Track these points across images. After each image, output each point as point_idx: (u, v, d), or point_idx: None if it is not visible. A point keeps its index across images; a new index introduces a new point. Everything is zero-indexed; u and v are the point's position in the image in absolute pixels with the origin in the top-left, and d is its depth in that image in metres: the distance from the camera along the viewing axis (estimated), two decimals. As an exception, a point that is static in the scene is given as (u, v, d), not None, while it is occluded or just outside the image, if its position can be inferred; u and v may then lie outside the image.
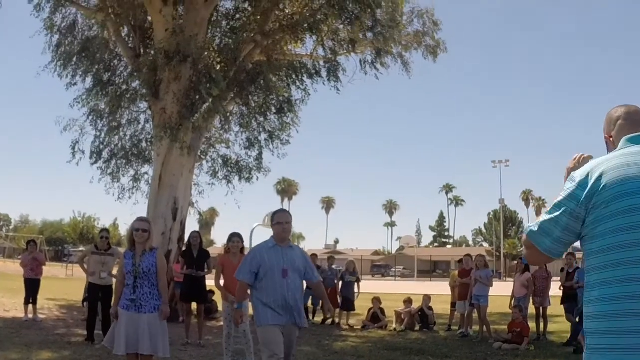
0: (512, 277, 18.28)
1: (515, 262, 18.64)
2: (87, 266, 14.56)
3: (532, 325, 16.13)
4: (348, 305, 19.96)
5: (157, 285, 8.47)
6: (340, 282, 20.52)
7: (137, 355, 8.34)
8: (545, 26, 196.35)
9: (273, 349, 7.47)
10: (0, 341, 13.45)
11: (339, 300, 20.20)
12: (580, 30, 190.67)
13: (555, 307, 17.25)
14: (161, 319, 8.37)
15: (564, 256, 17.65)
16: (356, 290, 20.38)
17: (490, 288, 16.78)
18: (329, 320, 19.81)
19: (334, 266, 22.17)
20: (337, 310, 19.95)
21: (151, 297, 8.36)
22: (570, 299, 16.01)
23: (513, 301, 16.92)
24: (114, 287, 14.02)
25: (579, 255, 17.86)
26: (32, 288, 18.16)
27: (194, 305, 14.94)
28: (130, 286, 8.29)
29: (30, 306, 18.07)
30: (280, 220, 7.89)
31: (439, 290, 29.95)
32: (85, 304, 16.82)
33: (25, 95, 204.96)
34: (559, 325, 17.77)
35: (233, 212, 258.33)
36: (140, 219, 9.01)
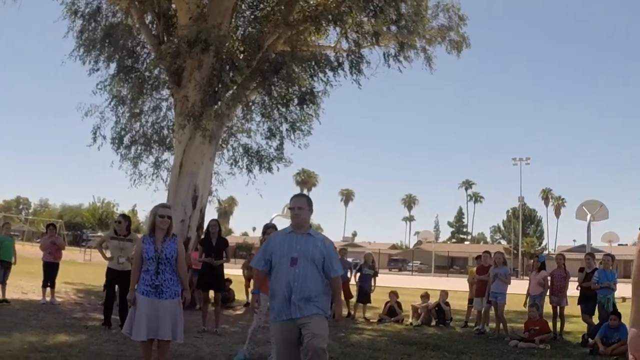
0: (529, 276, 18.18)
1: (532, 260, 18.51)
2: (107, 251, 14.60)
3: (548, 324, 16.05)
4: (364, 297, 19.90)
5: (178, 272, 8.50)
6: (358, 275, 20.45)
7: (152, 341, 8.36)
8: (568, 23, 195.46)
9: (275, 344, 7.67)
10: (18, 323, 13.49)
11: (355, 292, 20.21)
12: (602, 25, 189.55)
13: (572, 307, 17.16)
14: (182, 305, 8.42)
15: (584, 256, 17.58)
16: (372, 284, 20.32)
17: (508, 286, 16.72)
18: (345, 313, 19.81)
19: (349, 259, 22.11)
20: (353, 302, 19.99)
21: (172, 283, 8.40)
22: (587, 300, 15.94)
23: (528, 299, 16.86)
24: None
25: (598, 256, 17.79)
26: (50, 271, 18.25)
27: (211, 293, 14.93)
28: (152, 272, 8.30)
29: (48, 289, 18.17)
30: (292, 206, 7.68)
31: (456, 286, 29.92)
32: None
33: (47, 81, 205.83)
34: (575, 325, 17.67)
35: (252, 201, 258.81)
36: (163, 205, 9.04)
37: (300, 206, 7.61)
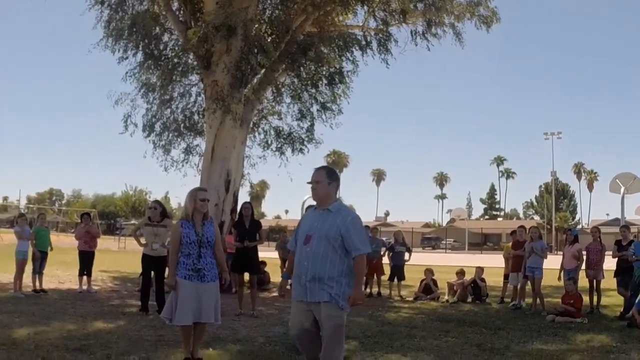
0: (562, 250, 18.08)
1: (565, 234, 18.41)
2: (142, 238, 14.68)
3: (585, 298, 15.94)
4: (398, 273, 19.89)
5: (216, 255, 8.54)
6: (390, 253, 20.45)
7: (192, 325, 8.38)
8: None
9: (290, 325, 7.37)
10: (56, 312, 13.62)
11: (386, 270, 20.26)
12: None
13: (609, 280, 17.05)
14: (222, 287, 8.47)
15: (619, 229, 17.45)
16: (407, 257, 20.29)
17: (544, 260, 16.63)
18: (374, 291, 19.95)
19: (384, 238, 22.07)
20: (385, 280, 20.01)
21: (212, 267, 8.45)
22: (623, 272, 15.85)
23: (563, 273, 16.74)
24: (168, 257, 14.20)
25: (633, 229, 17.66)
26: (86, 260, 18.39)
27: (246, 276, 14.96)
28: (194, 256, 8.31)
29: (85, 278, 18.33)
30: (310, 180, 7.20)
31: (490, 263, 29.78)
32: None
33: (76, 70, 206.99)
34: (612, 299, 17.58)
35: (284, 184, 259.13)
36: (202, 189, 9.07)
37: (318, 179, 7.08)
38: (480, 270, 19.44)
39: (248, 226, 14.57)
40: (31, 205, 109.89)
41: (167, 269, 14.05)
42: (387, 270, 20.27)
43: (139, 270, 15.32)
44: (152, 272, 14.31)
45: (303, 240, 6.98)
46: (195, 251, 8.31)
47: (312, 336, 7.07)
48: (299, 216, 18.02)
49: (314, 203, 7.28)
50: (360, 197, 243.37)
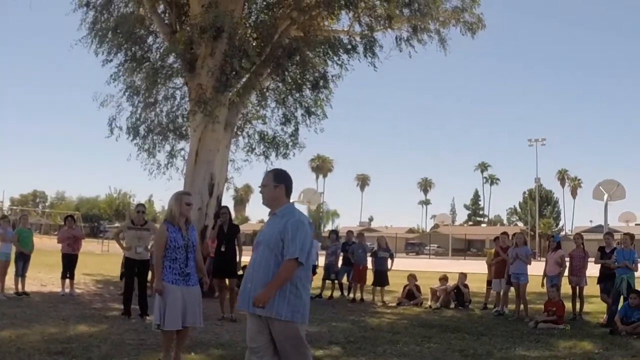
0: (545, 257, 18.16)
1: (548, 241, 18.48)
2: (124, 241, 14.67)
3: (567, 304, 16.03)
4: (382, 279, 19.91)
5: (196, 259, 8.53)
6: (373, 258, 20.47)
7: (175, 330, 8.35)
8: (583, 5, 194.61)
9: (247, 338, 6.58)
10: (38, 315, 13.61)
11: (369, 276, 20.34)
12: (618, 9, 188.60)
13: (592, 287, 17.12)
14: (203, 291, 8.45)
15: (603, 236, 17.51)
16: (389, 266, 20.31)
17: (529, 266, 16.68)
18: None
19: (367, 243, 22.12)
20: (371, 287, 20.04)
21: (194, 270, 8.43)
22: (606, 279, 15.89)
23: (546, 280, 16.81)
24: (151, 261, 14.17)
25: (616, 236, 17.73)
26: (69, 263, 18.38)
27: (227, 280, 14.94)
28: (182, 260, 8.28)
29: (67, 281, 18.31)
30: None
31: (474, 269, 29.90)
32: (122, 278, 16.95)
33: (61, 72, 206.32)
34: (595, 306, 17.67)
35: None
36: (187, 193, 9.06)
37: (264, 183, 6.71)
38: (463, 276, 19.51)
39: (226, 230, 14.56)
40: (14, 207, 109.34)
41: (149, 273, 14.11)
42: (370, 275, 20.31)
43: (119, 274, 15.29)
44: (136, 276, 14.29)
45: (254, 247, 6.60)
46: (183, 255, 8.29)
47: (262, 349, 6.41)
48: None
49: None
50: (344, 202, 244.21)
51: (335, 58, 22.80)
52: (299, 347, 6.29)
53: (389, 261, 20.31)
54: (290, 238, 6.24)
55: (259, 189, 6.75)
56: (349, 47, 22.70)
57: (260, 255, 6.38)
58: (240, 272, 14.50)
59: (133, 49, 22.87)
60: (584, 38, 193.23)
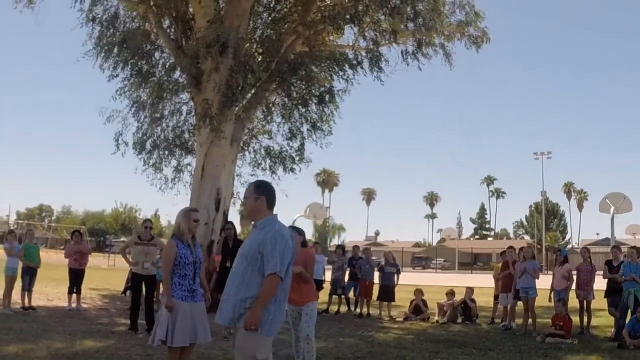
0: (553, 271, 18.09)
1: (555, 255, 18.40)
2: (130, 256, 14.67)
3: (575, 319, 15.96)
4: (388, 295, 19.88)
5: (200, 275, 8.52)
6: (380, 274, 20.42)
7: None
8: (588, 17, 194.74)
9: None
10: (45, 330, 13.59)
11: (375, 290, 20.29)
12: (623, 20, 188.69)
13: (599, 301, 17.04)
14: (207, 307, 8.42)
15: (610, 249, 17.46)
16: (396, 281, 20.28)
17: (537, 280, 16.62)
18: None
19: (374, 258, 22.12)
20: (378, 303, 19.99)
21: (199, 287, 8.41)
22: (614, 293, 15.82)
23: (553, 294, 16.75)
24: (158, 277, 14.17)
25: (623, 249, 17.67)
26: (76, 278, 18.38)
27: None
28: (191, 277, 8.23)
29: (74, 296, 18.28)
30: None
31: (480, 283, 29.81)
32: (127, 293, 16.92)
33: (67, 88, 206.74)
34: (603, 320, 17.58)
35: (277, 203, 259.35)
36: (195, 210, 9.02)
37: (246, 195, 6.72)
38: (470, 291, 19.45)
39: (232, 246, 14.53)
40: (21, 221, 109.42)
41: (156, 289, 14.10)
42: (375, 290, 20.27)
43: (123, 289, 15.25)
44: (143, 292, 14.29)
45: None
46: (192, 272, 8.25)
47: None
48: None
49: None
50: (350, 217, 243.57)
51: (341, 73, 22.87)
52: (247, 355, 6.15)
53: (396, 277, 20.27)
54: (269, 252, 6.13)
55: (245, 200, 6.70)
56: (355, 62, 22.78)
57: (236, 267, 6.34)
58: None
59: (139, 64, 22.93)
60: (592, 50, 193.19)
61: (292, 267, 6.42)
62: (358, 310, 20.28)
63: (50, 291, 22.28)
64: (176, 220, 8.62)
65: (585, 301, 16.73)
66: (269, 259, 6.08)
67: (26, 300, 17.37)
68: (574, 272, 16.98)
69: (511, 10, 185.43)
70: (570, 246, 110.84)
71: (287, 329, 9.72)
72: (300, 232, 9.72)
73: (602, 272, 16.52)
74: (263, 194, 6.55)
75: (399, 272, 20.55)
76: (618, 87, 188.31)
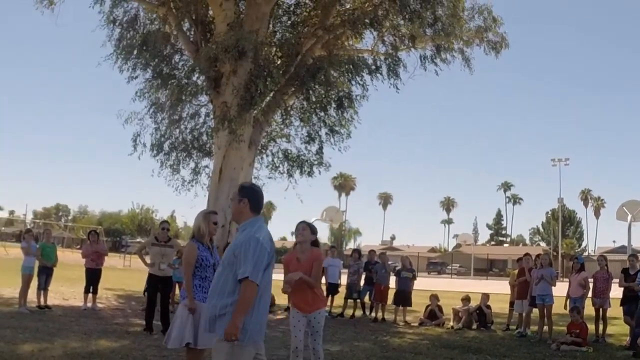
0: (569, 278, 17.99)
1: (572, 262, 18.33)
2: (147, 257, 14.71)
3: (591, 327, 15.88)
4: (404, 299, 19.83)
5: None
6: (396, 278, 20.39)
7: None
8: (606, 26, 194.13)
9: None
10: (60, 329, 13.64)
11: (390, 294, 20.27)
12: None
13: (615, 309, 16.96)
14: None
15: (627, 257, 17.37)
16: (411, 286, 20.24)
17: (553, 288, 16.56)
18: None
19: (389, 262, 22.09)
20: (393, 307, 19.96)
21: None
22: (630, 301, 15.72)
23: (569, 302, 16.66)
24: (174, 278, 14.23)
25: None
26: (93, 278, 18.43)
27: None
28: (210, 278, 8.13)
29: (90, 295, 18.33)
30: None
31: (496, 289, 29.72)
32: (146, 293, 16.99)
33: (86, 89, 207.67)
34: (618, 328, 17.48)
35: (290, 206, 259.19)
36: (214, 212, 9.02)
37: (231, 197, 6.66)
38: (485, 297, 19.40)
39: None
40: (37, 220, 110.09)
41: (172, 290, 14.14)
42: (390, 294, 20.25)
43: (143, 289, 15.27)
44: (158, 292, 14.32)
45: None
46: (211, 274, 8.21)
47: None
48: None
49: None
50: (366, 221, 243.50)
51: (358, 78, 22.89)
52: None
53: (411, 282, 20.24)
54: (242, 255, 5.90)
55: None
56: (373, 67, 22.80)
57: (215, 276, 6.22)
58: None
59: (159, 66, 22.98)
60: (609, 57, 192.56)
61: (269, 271, 6.12)
62: (373, 315, 20.27)
63: (66, 290, 22.36)
64: (195, 222, 8.62)
65: (600, 309, 16.63)
66: (241, 263, 5.86)
67: (42, 299, 17.44)
68: (590, 280, 16.91)
69: (529, 17, 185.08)
70: (586, 253, 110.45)
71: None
72: (313, 229, 9.24)
73: (618, 280, 16.46)
74: (245, 196, 6.37)
75: (414, 277, 20.52)
76: (636, 94, 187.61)
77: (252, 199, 6.36)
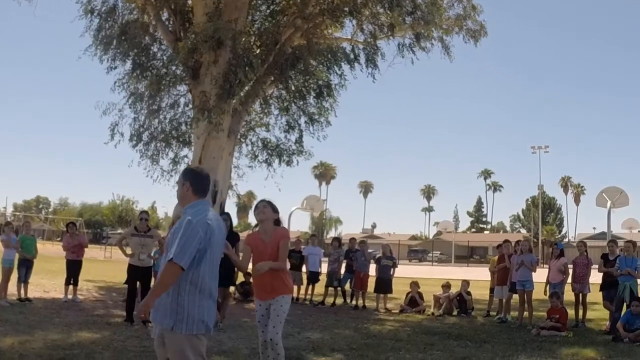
0: (549, 264, 18.10)
1: (551, 248, 18.42)
2: (127, 248, 14.69)
3: (570, 312, 16.01)
4: (385, 286, 19.87)
5: None
6: (377, 266, 20.44)
7: None
8: (584, 15, 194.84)
9: None
10: (41, 321, 13.60)
11: (371, 282, 20.34)
12: (620, 18, 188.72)
13: (594, 294, 17.08)
14: None
15: (607, 243, 17.49)
16: (392, 274, 20.28)
17: (533, 274, 16.64)
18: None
19: (370, 250, 22.15)
20: (374, 294, 20.02)
21: None
22: (609, 286, 15.83)
23: (549, 287, 16.74)
24: (155, 269, 14.21)
25: (620, 243, 17.69)
26: (73, 269, 18.36)
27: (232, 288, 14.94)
28: None
29: (70, 287, 18.27)
30: None
31: (476, 276, 29.85)
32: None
33: (64, 79, 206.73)
34: (598, 313, 17.62)
35: (271, 195, 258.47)
36: None
37: (177, 181, 6.36)
38: (466, 283, 19.50)
39: (226, 238, 14.50)
40: (17, 213, 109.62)
41: (152, 280, 14.12)
42: (371, 282, 20.31)
43: (125, 279, 15.25)
44: (138, 283, 14.29)
45: None
46: None
47: None
48: (286, 226, 17.66)
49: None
50: (347, 210, 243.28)
51: (336, 68, 22.90)
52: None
53: (392, 270, 20.28)
54: (178, 238, 5.61)
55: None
56: (352, 57, 22.81)
57: (163, 260, 5.82)
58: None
59: (138, 56, 22.88)
60: (587, 45, 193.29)
61: (212, 256, 5.93)
62: (354, 302, 20.31)
63: (46, 282, 22.27)
64: (174, 212, 8.65)
65: (580, 294, 16.74)
66: (172, 245, 5.60)
67: (22, 292, 17.35)
68: (570, 266, 17.00)
69: (509, 5, 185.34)
70: (566, 240, 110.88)
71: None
72: (274, 208, 8.54)
73: (597, 266, 16.56)
74: (189, 178, 6.15)
75: (395, 265, 20.56)
76: (616, 81, 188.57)
77: (194, 182, 6.14)
